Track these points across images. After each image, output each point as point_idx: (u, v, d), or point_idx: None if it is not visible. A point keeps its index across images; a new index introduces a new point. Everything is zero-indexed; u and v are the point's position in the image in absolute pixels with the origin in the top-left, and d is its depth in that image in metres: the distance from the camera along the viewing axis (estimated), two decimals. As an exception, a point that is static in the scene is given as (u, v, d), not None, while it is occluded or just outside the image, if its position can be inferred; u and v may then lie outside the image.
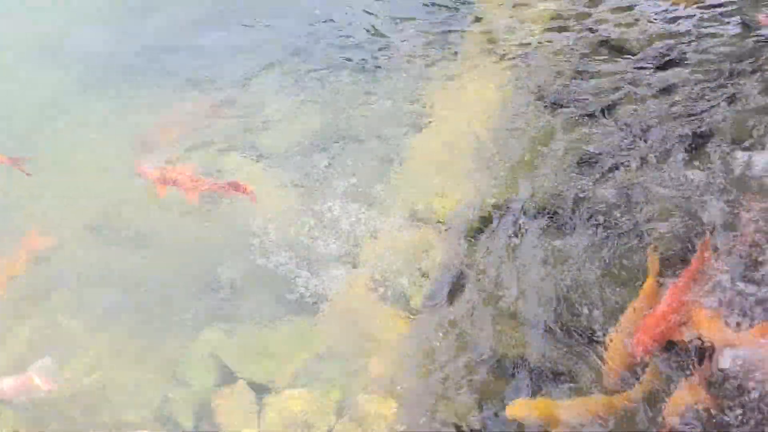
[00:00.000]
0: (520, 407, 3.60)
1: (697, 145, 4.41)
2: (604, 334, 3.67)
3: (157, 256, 4.70)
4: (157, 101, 5.72)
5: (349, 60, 5.70)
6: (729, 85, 4.70)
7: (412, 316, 4.13)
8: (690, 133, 4.48)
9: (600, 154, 4.57)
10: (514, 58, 5.39)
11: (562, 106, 4.95)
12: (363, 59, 5.69)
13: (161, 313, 4.40)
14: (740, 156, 4.23)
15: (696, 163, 4.32)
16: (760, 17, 5.03)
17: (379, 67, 5.60)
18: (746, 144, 4.29)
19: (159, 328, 4.34)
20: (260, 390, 4.03)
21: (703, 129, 4.49)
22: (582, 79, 5.12)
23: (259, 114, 5.48)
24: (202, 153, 5.26)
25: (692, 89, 4.78)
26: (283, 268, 4.44)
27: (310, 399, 3.94)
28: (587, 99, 4.94)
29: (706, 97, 4.69)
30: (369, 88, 5.44)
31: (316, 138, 5.18)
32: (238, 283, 4.48)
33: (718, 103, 4.60)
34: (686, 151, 4.40)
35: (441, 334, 3.98)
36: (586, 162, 4.55)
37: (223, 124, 5.47)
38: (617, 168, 4.45)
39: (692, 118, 4.59)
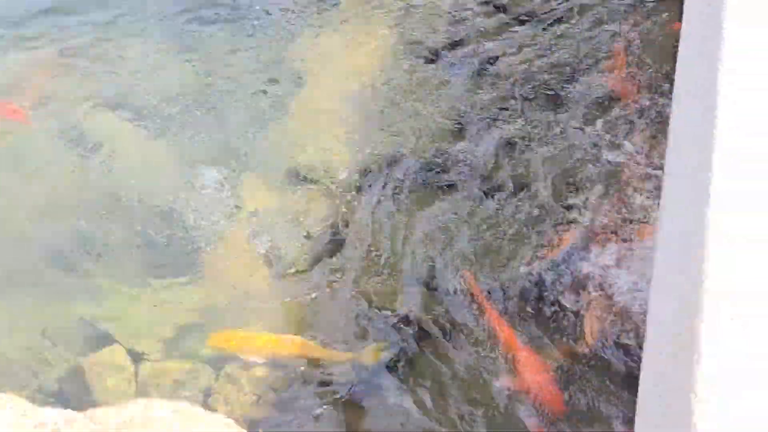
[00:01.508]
0: (218, 338, 3.77)
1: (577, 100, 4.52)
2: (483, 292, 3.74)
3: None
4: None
5: (220, 10, 5.40)
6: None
7: (291, 276, 4.04)
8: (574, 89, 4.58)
9: (482, 108, 4.58)
10: (397, 10, 5.28)
11: (444, 60, 4.91)
12: (236, 10, 5.39)
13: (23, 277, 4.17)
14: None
15: (576, 120, 4.43)
16: None
17: (254, 18, 5.32)
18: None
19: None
20: (135, 354, 3.86)
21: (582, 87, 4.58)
22: (465, 33, 5.07)
23: (121, 66, 5.14)
24: (58, 106, 4.90)
25: (578, 45, 4.84)
26: (155, 230, 4.28)
27: (186, 362, 3.80)
28: (470, 54, 4.91)
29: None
30: (244, 41, 5.19)
31: (186, 93, 4.92)
32: (105, 245, 4.26)
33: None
34: (564, 105, 4.50)
35: (320, 292, 3.94)
36: (468, 117, 4.54)
37: (78, 75, 5.08)
38: (498, 122, 4.48)
39: (576, 74, 4.68)
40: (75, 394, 3.74)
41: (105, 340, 3.92)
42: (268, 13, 5.36)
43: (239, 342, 3.80)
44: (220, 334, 3.83)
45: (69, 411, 1.76)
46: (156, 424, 1.52)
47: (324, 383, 3.63)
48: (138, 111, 4.84)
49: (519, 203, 4.12)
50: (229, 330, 3.86)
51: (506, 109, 4.58)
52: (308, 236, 4.19)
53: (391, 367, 3.62)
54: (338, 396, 3.58)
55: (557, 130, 4.42)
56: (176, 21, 5.35)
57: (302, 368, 3.68)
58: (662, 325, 2.38)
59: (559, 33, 4.96)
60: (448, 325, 3.71)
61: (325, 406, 3.54)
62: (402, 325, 3.74)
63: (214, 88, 4.95)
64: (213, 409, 3.55)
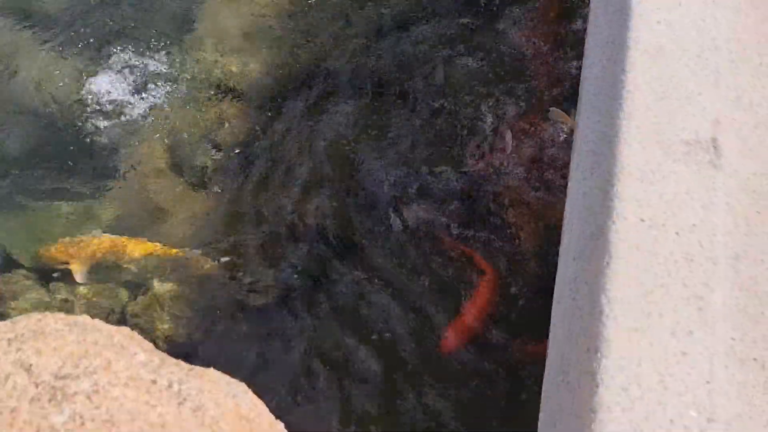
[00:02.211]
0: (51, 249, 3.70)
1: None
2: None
3: None
4: None
5: None
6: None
7: (205, 191, 3.97)
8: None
9: (408, 17, 4.46)
10: None
11: None
12: None
13: None
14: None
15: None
16: None
17: None
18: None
19: None
20: (46, 275, 3.74)
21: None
22: None
23: None
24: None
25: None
26: (63, 140, 4.11)
27: (100, 280, 3.72)
28: None
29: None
30: None
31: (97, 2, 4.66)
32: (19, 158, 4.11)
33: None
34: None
35: (234, 208, 3.88)
36: (393, 28, 4.43)
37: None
38: (422, 36, 4.36)
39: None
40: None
41: (12, 262, 3.80)
42: None
43: (75, 250, 3.70)
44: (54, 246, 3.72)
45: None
46: (49, 337, 1.46)
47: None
48: (39, 19, 4.59)
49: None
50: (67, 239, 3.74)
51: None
52: (218, 148, 4.10)
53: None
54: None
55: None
56: None
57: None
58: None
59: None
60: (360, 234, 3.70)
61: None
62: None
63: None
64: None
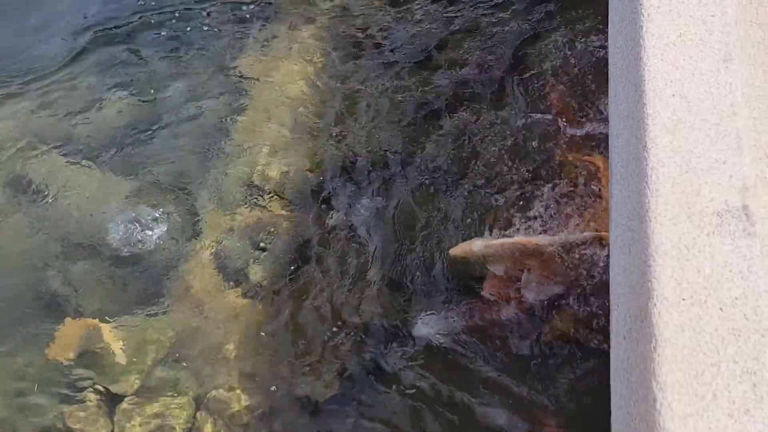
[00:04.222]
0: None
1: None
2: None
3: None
4: None
5: (156, 35, 5.27)
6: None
7: (259, 297, 4.04)
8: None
9: (428, 103, 4.53)
10: (332, 9, 5.20)
11: (389, 54, 4.84)
12: (170, 33, 5.25)
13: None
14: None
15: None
16: None
17: (188, 40, 5.21)
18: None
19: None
20: (111, 398, 3.86)
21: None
22: (403, 25, 4.99)
23: (59, 104, 5.02)
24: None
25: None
26: (117, 269, 4.24)
27: (165, 398, 3.81)
28: (410, 46, 4.85)
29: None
30: (180, 63, 5.07)
31: (133, 123, 4.84)
32: (71, 288, 4.22)
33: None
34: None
35: (289, 312, 3.95)
36: (417, 113, 4.50)
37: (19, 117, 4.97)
38: (450, 116, 4.42)
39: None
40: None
41: (81, 385, 3.91)
42: (198, 29, 5.28)
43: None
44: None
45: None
46: None
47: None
48: (78, 148, 4.76)
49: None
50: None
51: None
52: (265, 251, 4.19)
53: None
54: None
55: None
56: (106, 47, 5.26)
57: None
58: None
59: None
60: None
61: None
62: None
63: (156, 113, 4.88)
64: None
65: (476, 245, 3.69)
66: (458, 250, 3.71)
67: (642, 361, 2.13)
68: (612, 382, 2.53)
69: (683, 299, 2.14)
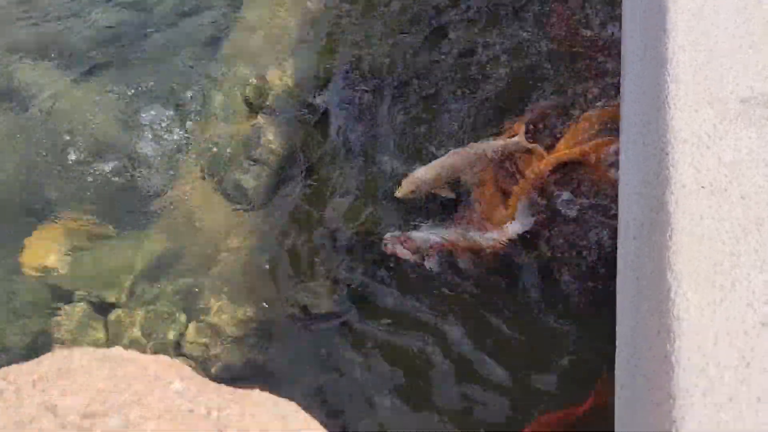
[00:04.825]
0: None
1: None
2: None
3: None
4: None
5: None
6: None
7: (250, 209, 3.91)
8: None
9: (437, 12, 4.29)
10: None
11: None
12: None
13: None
14: None
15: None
16: None
17: None
18: None
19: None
20: (101, 308, 3.74)
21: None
22: None
23: (42, 10, 4.82)
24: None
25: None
26: (110, 177, 4.09)
27: (155, 307, 3.68)
28: None
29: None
30: None
31: (124, 27, 4.65)
32: (59, 199, 4.08)
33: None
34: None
35: (282, 223, 3.81)
36: (418, 23, 4.28)
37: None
38: (455, 28, 4.19)
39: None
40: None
41: (68, 295, 3.80)
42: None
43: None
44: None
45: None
46: (76, 374, 1.38)
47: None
48: (71, 57, 4.57)
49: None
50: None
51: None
52: (259, 163, 4.03)
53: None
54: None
55: None
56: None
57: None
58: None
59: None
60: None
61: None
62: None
63: (147, 21, 4.67)
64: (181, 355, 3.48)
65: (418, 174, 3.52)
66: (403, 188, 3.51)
67: (656, 253, 1.98)
68: (618, 290, 2.41)
69: (702, 187, 1.98)
